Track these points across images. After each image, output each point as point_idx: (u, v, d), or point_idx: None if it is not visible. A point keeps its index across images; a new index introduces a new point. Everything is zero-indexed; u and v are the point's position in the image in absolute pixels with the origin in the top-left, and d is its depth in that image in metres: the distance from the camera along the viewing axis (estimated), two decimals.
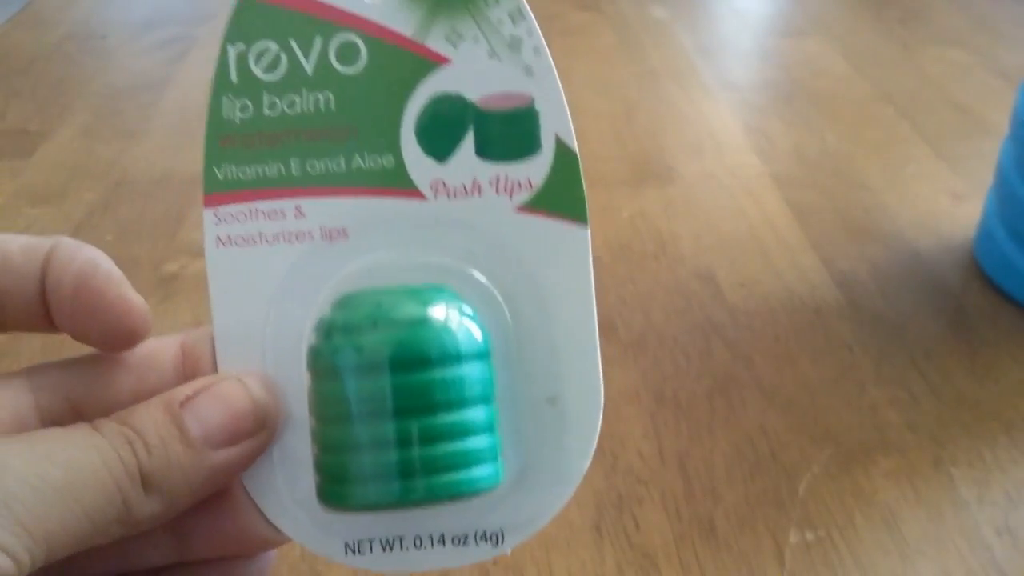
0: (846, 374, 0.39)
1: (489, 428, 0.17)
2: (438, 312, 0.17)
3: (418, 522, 0.18)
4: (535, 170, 0.18)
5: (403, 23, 0.18)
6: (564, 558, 0.31)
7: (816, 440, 0.35)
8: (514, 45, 0.18)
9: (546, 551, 0.31)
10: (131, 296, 0.17)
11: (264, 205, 0.18)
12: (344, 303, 0.17)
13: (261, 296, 0.18)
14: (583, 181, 0.18)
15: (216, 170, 0.18)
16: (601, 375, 0.18)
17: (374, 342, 0.16)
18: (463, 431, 0.16)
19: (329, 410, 0.17)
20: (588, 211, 0.18)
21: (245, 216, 0.18)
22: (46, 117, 0.62)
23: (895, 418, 0.36)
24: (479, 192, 0.18)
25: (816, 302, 0.43)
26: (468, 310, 0.17)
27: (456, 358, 0.16)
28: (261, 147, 0.18)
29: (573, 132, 0.18)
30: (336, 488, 0.16)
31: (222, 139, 0.18)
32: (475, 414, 0.17)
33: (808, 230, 0.48)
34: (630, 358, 0.39)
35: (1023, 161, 0.41)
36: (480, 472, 0.16)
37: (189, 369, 0.18)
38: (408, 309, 0.16)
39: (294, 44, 0.17)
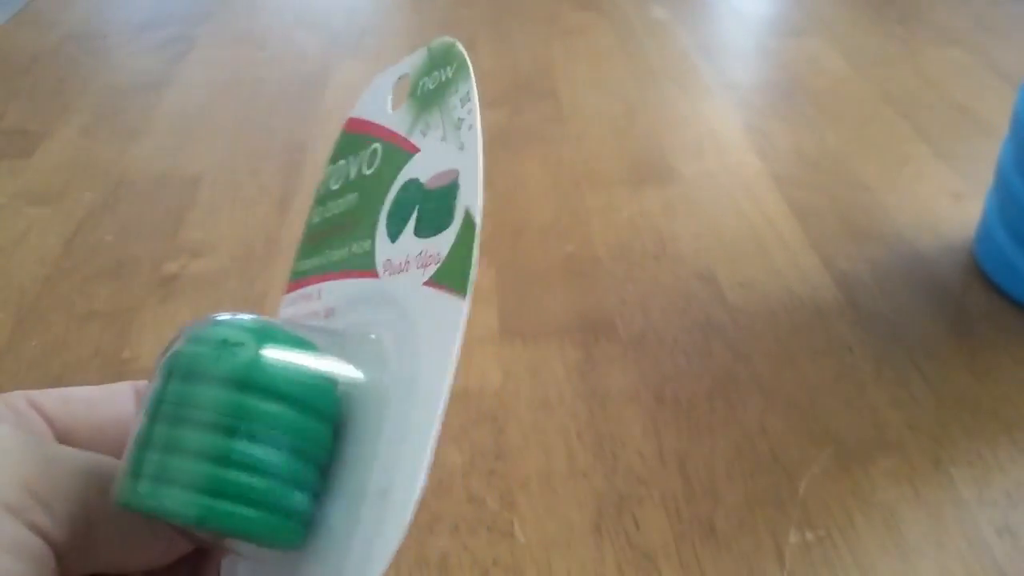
0: (846, 374, 0.39)
1: (298, 485, 0.16)
2: (268, 345, 0.17)
3: None
4: (443, 243, 0.18)
5: (401, 123, 0.21)
6: (564, 558, 0.31)
7: (816, 440, 0.35)
8: (458, 125, 0.20)
9: (546, 551, 0.31)
10: None
11: (305, 291, 0.21)
12: (193, 328, 0.17)
13: None
14: (474, 253, 0.17)
15: (295, 263, 0.22)
16: (426, 467, 0.16)
17: (189, 352, 0.16)
18: (266, 470, 0.16)
19: (149, 407, 0.17)
20: (470, 284, 0.17)
21: (295, 300, 0.21)
22: (46, 117, 0.62)
23: (895, 418, 0.36)
24: (408, 268, 0.19)
25: (816, 302, 0.43)
26: (305, 353, 0.17)
27: (269, 393, 0.16)
28: (314, 243, 0.21)
29: (480, 203, 0.18)
30: (132, 483, 0.16)
31: (305, 239, 0.22)
32: (284, 460, 0.16)
33: (808, 230, 0.48)
34: (630, 358, 0.39)
35: (1023, 161, 0.41)
36: (274, 520, 0.16)
37: None
38: (234, 333, 0.16)
39: (351, 159, 0.21)
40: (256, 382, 0.16)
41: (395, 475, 0.17)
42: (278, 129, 0.60)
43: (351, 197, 0.21)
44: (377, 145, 0.21)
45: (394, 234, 0.19)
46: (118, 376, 0.38)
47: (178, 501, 0.15)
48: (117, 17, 0.80)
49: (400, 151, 0.20)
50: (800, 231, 0.48)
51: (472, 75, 0.20)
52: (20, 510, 0.15)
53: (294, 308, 0.21)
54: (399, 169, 0.20)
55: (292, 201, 0.52)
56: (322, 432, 0.17)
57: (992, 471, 0.34)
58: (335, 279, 0.20)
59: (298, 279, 0.21)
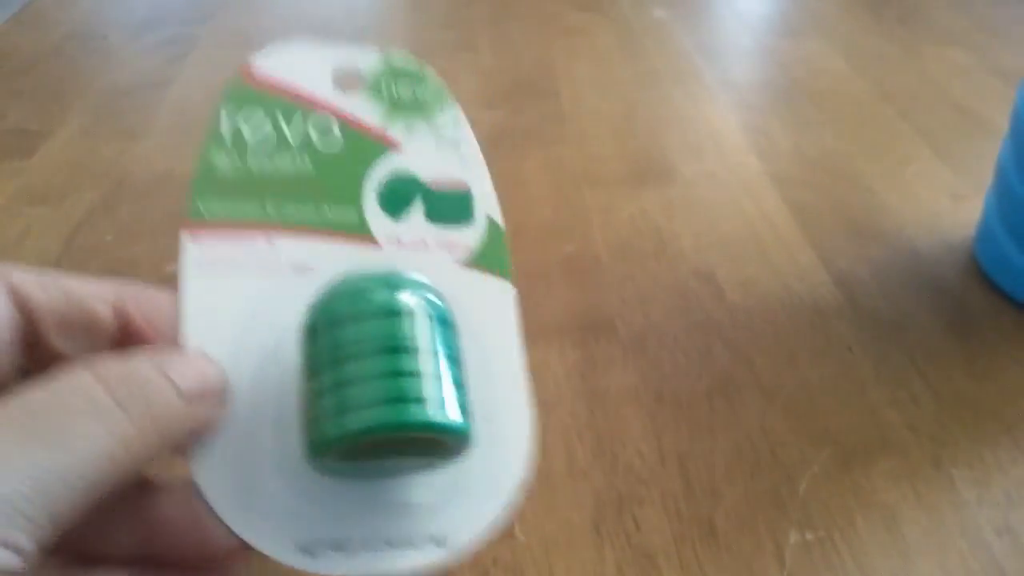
0: (846, 374, 0.39)
1: (456, 383, 0.19)
2: (403, 282, 0.20)
3: (366, 524, 0.19)
4: (471, 237, 0.22)
5: (369, 114, 0.23)
6: (564, 558, 0.31)
7: (816, 440, 0.35)
8: (454, 144, 0.23)
9: (546, 551, 0.31)
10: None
11: (240, 235, 0.21)
12: (326, 289, 0.20)
13: (230, 315, 0.20)
14: (508, 249, 0.22)
15: (200, 204, 0.21)
16: (528, 403, 0.21)
17: (330, 308, 0.19)
18: (432, 374, 0.18)
19: (309, 366, 0.19)
20: (511, 272, 0.22)
21: (221, 243, 0.21)
22: (46, 117, 0.62)
23: (895, 418, 0.36)
24: (426, 247, 0.22)
25: (816, 302, 0.43)
26: (429, 291, 0.20)
27: (412, 313, 0.19)
28: (242, 190, 0.21)
29: (499, 211, 0.23)
30: (323, 425, 0.18)
31: (208, 181, 0.21)
32: (440, 365, 0.19)
33: (808, 230, 0.48)
34: (630, 358, 0.39)
35: (1023, 161, 0.41)
36: (449, 412, 0.18)
37: (125, 330, 0.20)
38: (363, 282, 0.20)
39: (280, 116, 0.22)
40: (399, 308, 0.19)
41: (496, 408, 0.20)
42: None
43: (297, 158, 0.22)
44: (328, 118, 0.22)
45: (395, 213, 0.22)
46: None
47: (367, 418, 0.17)
48: (117, 17, 0.80)
49: (368, 136, 0.22)
50: (800, 231, 0.48)
51: (456, 102, 0.23)
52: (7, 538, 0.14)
53: (220, 253, 0.21)
54: (375, 154, 0.22)
55: None
56: (448, 335, 0.19)
57: (992, 472, 0.34)
58: (296, 234, 0.21)
59: (215, 220, 0.21)
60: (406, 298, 0.19)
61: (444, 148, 0.23)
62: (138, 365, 0.17)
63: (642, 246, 0.47)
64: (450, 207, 0.22)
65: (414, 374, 0.18)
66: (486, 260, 0.22)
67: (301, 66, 0.23)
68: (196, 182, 0.21)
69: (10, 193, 0.53)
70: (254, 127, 0.22)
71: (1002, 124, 0.46)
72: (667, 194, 0.52)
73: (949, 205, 0.51)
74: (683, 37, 0.75)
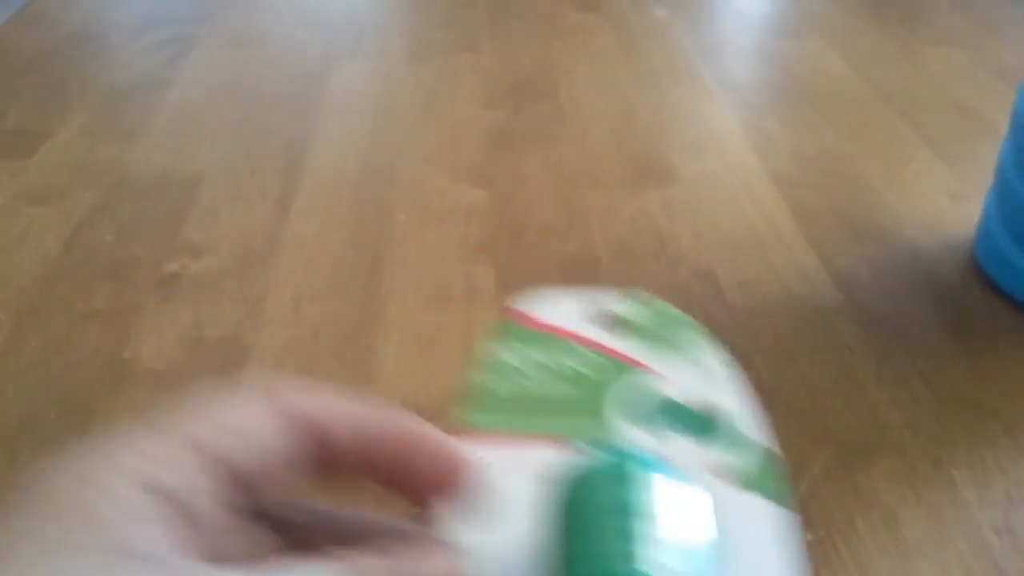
0: (846, 374, 0.39)
1: (693, 560, 0.19)
2: (636, 461, 0.21)
3: None
4: (742, 459, 0.23)
5: (621, 346, 0.26)
6: None
7: (816, 440, 0.35)
8: (705, 369, 0.25)
9: None
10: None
11: (508, 443, 0.24)
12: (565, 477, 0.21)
13: (488, 509, 0.22)
14: (784, 479, 0.24)
15: (468, 416, 0.24)
16: None
17: (579, 500, 0.20)
18: (666, 544, 0.18)
19: (557, 542, 0.20)
20: (790, 502, 0.23)
21: (484, 448, 0.23)
22: (46, 117, 0.62)
23: (895, 418, 0.36)
24: (687, 462, 0.23)
25: (816, 302, 0.43)
26: (666, 470, 0.21)
27: (651, 487, 0.20)
28: (506, 406, 0.24)
29: (772, 438, 0.24)
30: None
31: (476, 398, 0.24)
32: (677, 537, 0.19)
33: (808, 230, 0.48)
34: None
35: (1023, 161, 0.41)
36: None
37: (297, 434, 0.19)
38: (608, 462, 0.20)
39: (542, 347, 0.26)
40: (632, 489, 0.19)
41: None
42: (278, 129, 0.60)
43: (559, 383, 0.25)
44: (587, 350, 0.26)
45: (647, 425, 0.24)
46: (119, 377, 0.38)
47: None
48: (117, 17, 0.80)
49: (627, 367, 0.26)
50: (800, 231, 0.48)
51: (704, 332, 0.26)
52: None
53: (483, 454, 0.23)
54: (621, 375, 0.25)
55: (292, 201, 0.52)
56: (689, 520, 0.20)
57: (992, 471, 0.34)
58: (550, 444, 0.24)
59: (483, 428, 0.24)
60: (639, 474, 0.20)
61: (695, 373, 0.25)
62: (369, 555, 0.18)
63: (642, 246, 0.47)
64: (700, 425, 0.24)
65: (647, 545, 0.18)
66: (758, 485, 0.23)
67: (560, 309, 0.27)
68: (465, 399, 0.25)
69: (10, 193, 0.53)
70: (520, 356, 0.26)
71: (1002, 124, 0.46)
72: (667, 194, 0.52)
73: (949, 205, 0.51)
74: (683, 37, 0.75)
